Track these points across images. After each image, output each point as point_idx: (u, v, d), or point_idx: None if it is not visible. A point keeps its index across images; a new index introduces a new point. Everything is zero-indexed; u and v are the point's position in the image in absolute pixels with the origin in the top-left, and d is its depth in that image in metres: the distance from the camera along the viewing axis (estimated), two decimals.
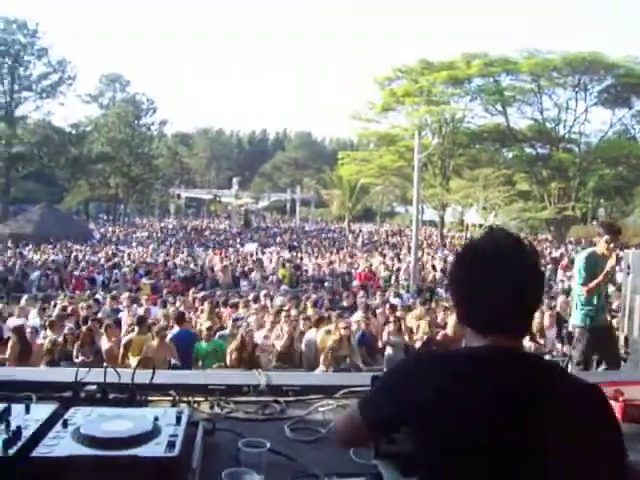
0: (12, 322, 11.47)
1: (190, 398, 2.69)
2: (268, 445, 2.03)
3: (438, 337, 10.46)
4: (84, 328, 10.16)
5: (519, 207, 37.42)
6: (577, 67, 38.34)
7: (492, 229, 1.68)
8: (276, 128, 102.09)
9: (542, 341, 10.78)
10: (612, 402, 2.72)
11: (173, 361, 9.04)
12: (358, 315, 11.75)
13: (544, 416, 1.45)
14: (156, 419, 1.98)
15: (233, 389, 2.83)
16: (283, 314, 11.49)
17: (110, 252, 27.89)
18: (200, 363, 9.43)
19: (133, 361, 8.97)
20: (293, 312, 12.35)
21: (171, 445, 1.82)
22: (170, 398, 2.63)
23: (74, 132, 51.94)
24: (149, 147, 54.62)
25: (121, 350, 9.54)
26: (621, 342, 7.50)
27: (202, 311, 12.35)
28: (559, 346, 10.70)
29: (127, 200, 55.33)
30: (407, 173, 33.75)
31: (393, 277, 22.16)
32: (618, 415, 2.67)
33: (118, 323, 11.03)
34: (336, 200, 52.68)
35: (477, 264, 1.61)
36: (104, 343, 9.72)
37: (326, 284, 20.08)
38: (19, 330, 9.69)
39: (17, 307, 13.29)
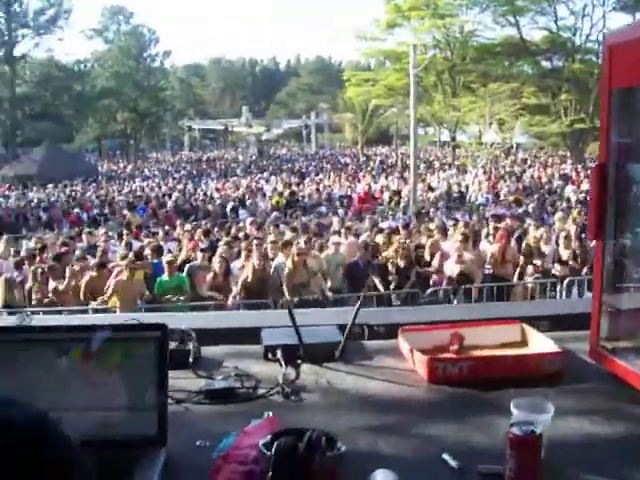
0: None
1: None
2: None
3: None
4: (45, 267, 9.75)
5: (536, 120, 36.01)
6: None
7: None
8: (288, 55, 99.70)
9: (538, 262, 9.99)
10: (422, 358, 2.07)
11: None
12: (335, 238, 11.18)
13: None
14: None
15: None
16: (255, 242, 10.96)
17: (111, 188, 27.62)
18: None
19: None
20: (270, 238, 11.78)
21: None
22: None
23: (77, 68, 51.18)
24: (155, 80, 53.70)
25: (82, 288, 9.19)
26: None
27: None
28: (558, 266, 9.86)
29: (137, 135, 54.72)
30: (418, 92, 32.29)
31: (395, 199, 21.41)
32: (424, 375, 2.04)
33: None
34: (347, 124, 51.40)
35: None
36: (52, 282, 9.31)
37: (322, 209, 19.44)
38: None
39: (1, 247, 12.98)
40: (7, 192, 28.29)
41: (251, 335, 2.36)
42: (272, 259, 10.19)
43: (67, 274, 9.42)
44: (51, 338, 1.69)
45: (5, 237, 14.06)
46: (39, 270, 9.56)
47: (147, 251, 10.79)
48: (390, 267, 10.00)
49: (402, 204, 19.80)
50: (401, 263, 9.92)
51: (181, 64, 70.91)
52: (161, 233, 13.71)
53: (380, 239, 11.19)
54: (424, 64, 24.16)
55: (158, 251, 10.57)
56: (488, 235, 11.75)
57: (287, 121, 65.05)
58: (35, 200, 24.62)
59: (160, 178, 33.68)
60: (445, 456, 1.51)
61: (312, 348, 2.17)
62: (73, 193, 26.12)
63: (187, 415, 1.84)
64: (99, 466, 1.49)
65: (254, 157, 49.00)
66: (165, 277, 9.21)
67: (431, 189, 22.25)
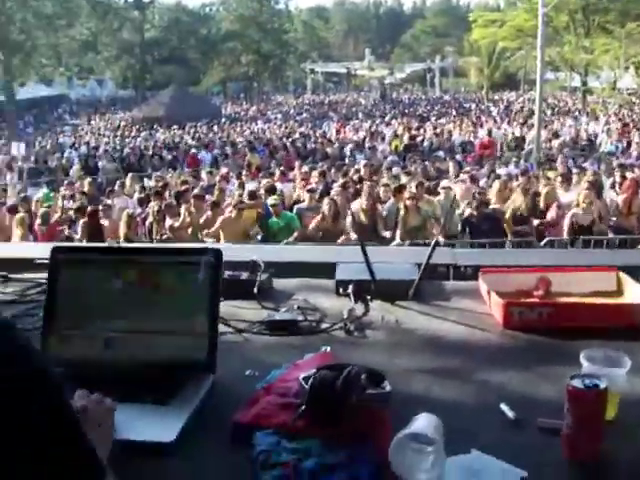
0: (117, 201, 11.69)
1: None
2: None
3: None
4: (163, 205, 10.10)
5: None
6: None
7: None
8: None
9: None
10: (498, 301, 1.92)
11: None
12: (444, 183, 10.93)
13: None
14: None
15: None
16: (367, 184, 10.88)
17: (233, 130, 28.16)
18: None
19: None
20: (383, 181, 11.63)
21: None
22: None
23: (202, 12, 52.10)
24: (279, 22, 53.80)
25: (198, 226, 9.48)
26: None
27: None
28: None
29: (261, 78, 55.27)
30: (548, 34, 30.25)
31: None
32: (500, 320, 1.89)
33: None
34: (472, 68, 49.61)
35: None
36: (168, 220, 9.62)
37: (440, 153, 18.98)
38: (90, 212, 9.73)
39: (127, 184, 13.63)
40: (136, 133, 29.41)
41: (328, 270, 2.27)
42: (384, 202, 10.10)
43: (182, 212, 9.75)
44: (106, 259, 1.68)
45: (130, 175, 14.74)
46: (157, 207, 9.93)
47: (262, 191, 10.96)
48: (509, 215, 9.63)
49: (525, 151, 19.01)
50: (523, 211, 9.55)
51: (305, 6, 70.90)
52: (277, 174, 13.85)
53: (497, 186, 10.79)
54: (554, 3, 22.68)
55: (271, 191, 10.70)
56: (614, 185, 11.12)
57: (411, 65, 63.64)
58: (161, 141, 25.53)
59: (282, 120, 33.96)
60: (503, 406, 1.38)
61: (385, 285, 2.05)
62: (197, 134, 26.83)
63: (244, 345, 1.79)
64: (146, 387, 1.48)
65: (376, 101, 48.45)
66: (273, 218, 9.32)
67: (556, 136, 21.15)
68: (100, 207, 10.25)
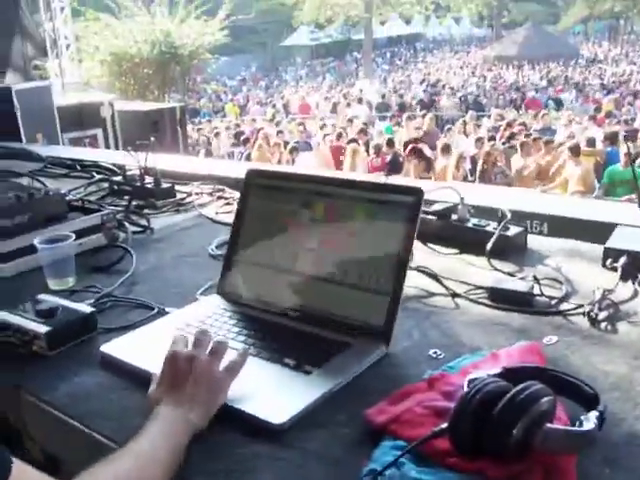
0: (456, 139, 11.57)
1: None
2: None
3: None
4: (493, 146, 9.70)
5: None
6: None
7: None
8: None
9: None
10: None
11: None
12: None
13: None
14: None
15: None
16: None
17: (591, 71, 26.06)
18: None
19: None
20: None
21: None
22: None
23: None
24: None
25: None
26: None
27: None
28: None
29: (628, 16, 49.58)
30: None
31: None
32: None
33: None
34: None
35: None
36: (515, 161, 9.12)
37: None
38: (416, 150, 9.67)
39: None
40: (485, 73, 28.79)
41: (607, 233, 1.72)
42: None
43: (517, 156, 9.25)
44: (297, 187, 1.42)
45: (470, 113, 14.48)
46: (488, 149, 9.56)
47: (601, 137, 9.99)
48: None
49: None
50: None
51: None
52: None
53: None
54: None
55: (613, 139, 9.68)
56: None
57: None
58: (509, 80, 24.71)
59: None
60: None
61: None
62: (548, 74, 25.44)
63: (448, 313, 1.39)
64: (295, 345, 1.21)
65: None
66: (618, 167, 8.21)
67: None
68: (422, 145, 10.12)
